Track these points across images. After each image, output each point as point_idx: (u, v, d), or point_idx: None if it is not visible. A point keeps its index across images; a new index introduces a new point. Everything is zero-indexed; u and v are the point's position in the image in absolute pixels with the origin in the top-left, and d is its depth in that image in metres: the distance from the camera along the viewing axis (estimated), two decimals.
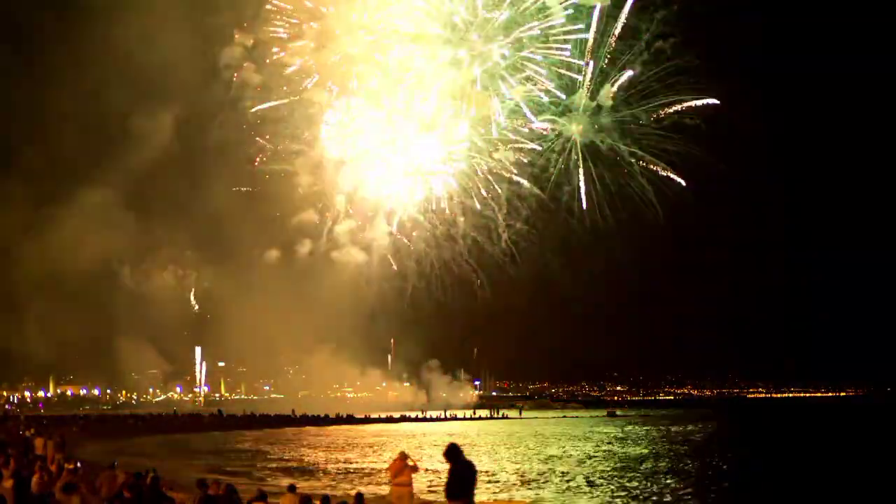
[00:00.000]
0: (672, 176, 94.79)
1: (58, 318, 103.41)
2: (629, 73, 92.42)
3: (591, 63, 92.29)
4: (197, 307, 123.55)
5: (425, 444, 55.65)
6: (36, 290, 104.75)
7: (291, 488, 18.06)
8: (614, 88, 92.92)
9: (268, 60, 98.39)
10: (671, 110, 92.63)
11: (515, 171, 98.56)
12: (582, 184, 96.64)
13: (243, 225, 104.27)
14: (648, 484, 33.04)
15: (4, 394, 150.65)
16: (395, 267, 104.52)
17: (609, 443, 58.55)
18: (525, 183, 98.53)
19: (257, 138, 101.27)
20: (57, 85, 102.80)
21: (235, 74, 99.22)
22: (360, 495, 17.06)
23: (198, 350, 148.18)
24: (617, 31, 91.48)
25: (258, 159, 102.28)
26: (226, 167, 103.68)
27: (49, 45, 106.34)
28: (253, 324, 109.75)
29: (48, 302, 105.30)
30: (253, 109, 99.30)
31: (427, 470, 32.12)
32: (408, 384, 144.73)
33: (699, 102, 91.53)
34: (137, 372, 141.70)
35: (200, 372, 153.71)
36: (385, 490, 22.54)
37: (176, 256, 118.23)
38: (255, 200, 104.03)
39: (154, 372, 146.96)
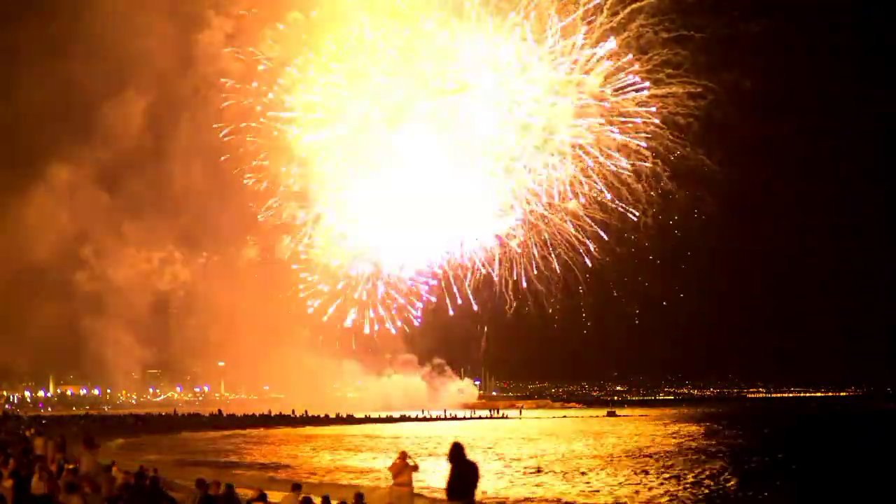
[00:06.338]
0: (661, 172, 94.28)
1: (35, 316, 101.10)
2: None
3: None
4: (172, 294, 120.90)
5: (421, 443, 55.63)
6: (8, 288, 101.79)
7: (295, 487, 18.05)
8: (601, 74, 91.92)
9: (249, 49, 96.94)
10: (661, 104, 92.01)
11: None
12: (570, 181, 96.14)
13: (220, 218, 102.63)
14: None
15: (4, 393, 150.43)
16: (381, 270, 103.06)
17: None
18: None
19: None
20: (26, 69, 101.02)
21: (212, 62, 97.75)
22: (359, 495, 17.04)
23: None
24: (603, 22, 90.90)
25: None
26: (201, 159, 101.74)
27: (16, 27, 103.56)
28: (231, 316, 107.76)
29: (23, 300, 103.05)
30: (227, 104, 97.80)
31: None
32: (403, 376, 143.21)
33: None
34: (118, 366, 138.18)
35: None
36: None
37: (151, 243, 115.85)
38: (232, 194, 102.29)
39: (155, 372, 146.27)
